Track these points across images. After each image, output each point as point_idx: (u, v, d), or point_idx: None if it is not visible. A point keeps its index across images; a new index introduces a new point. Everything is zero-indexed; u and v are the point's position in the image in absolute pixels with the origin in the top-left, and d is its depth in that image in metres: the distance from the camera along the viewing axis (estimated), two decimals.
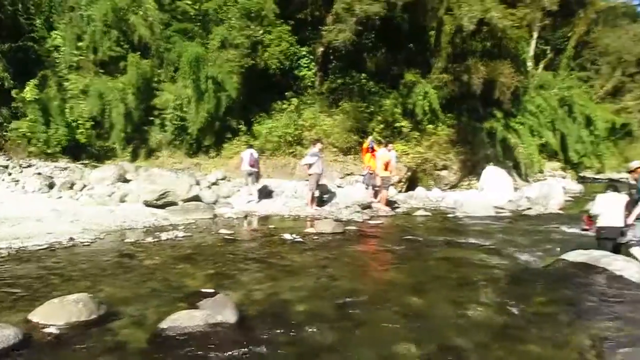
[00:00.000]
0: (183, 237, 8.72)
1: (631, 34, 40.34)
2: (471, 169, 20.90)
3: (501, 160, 22.55)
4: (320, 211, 12.64)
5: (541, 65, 32.23)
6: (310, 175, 12.79)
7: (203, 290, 5.45)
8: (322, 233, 9.51)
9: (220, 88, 17.07)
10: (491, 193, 16.06)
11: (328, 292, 5.62)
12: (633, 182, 6.97)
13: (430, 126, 20.16)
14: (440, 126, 20.55)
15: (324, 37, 18.39)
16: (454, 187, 20.17)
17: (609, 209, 7.03)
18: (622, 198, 7.13)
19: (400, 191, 17.53)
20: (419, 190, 17.48)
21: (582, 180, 28.77)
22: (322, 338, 4.23)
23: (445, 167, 20.31)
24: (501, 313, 5.02)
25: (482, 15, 19.76)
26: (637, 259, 6.58)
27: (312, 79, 19.49)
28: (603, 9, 36.69)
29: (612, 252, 6.74)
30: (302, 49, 19.35)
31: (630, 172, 7.20)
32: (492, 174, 17.59)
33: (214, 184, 14.48)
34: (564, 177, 27.15)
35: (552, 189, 16.44)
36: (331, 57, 20.06)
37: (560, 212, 14.28)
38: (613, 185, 7.68)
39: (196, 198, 12.15)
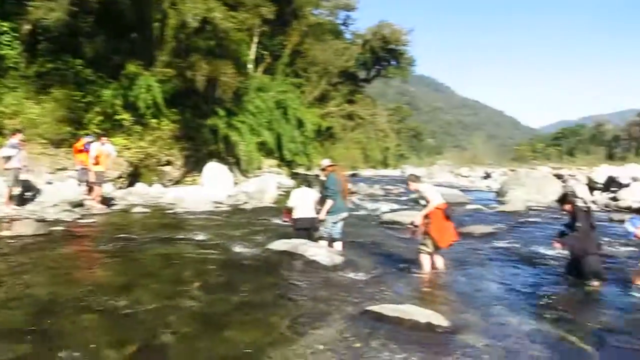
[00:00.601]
0: None
1: (334, 49, 46.53)
2: (195, 165, 21.24)
3: (223, 157, 23.52)
4: (19, 210, 11.23)
5: (260, 69, 34.62)
6: (7, 169, 11.27)
7: None
8: (21, 235, 8.50)
9: None
10: (212, 188, 16.63)
11: (20, 302, 5.08)
12: (324, 178, 8.04)
13: (154, 120, 19.76)
14: (164, 121, 20.33)
15: (31, 14, 16.32)
16: (177, 182, 20.19)
17: (303, 202, 8.06)
18: (313, 192, 8.19)
19: (120, 187, 16.75)
20: (139, 187, 17.00)
21: (294, 176, 31.89)
22: (12, 354, 3.80)
23: (169, 163, 20.19)
24: (210, 304, 5.24)
25: (205, 14, 20.26)
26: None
27: (16, 60, 17.03)
28: (312, 24, 41.35)
29: (308, 239, 7.74)
30: (3, 23, 16.75)
31: (322, 170, 8.20)
32: (214, 170, 18.22)
33: None
34: (279, 174, 29.68)
35: (267, 184, 17.90)
36: (40, 38, 17.87)
37: (273, 205, 15.63)
38: (306, 181, 8.87)
39: None
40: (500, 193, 20.73)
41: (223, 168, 19.04)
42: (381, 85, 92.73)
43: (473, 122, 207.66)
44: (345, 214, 7.87)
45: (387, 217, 12.73)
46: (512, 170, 32.23)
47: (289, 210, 8.24)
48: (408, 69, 58.17)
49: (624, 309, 5.58)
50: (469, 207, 16.58)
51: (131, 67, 19.20)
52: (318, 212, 7.76)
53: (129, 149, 18.12)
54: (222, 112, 23.82)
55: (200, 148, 22.26)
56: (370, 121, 55.94)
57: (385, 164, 62.36)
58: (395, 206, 16.05)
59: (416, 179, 7.08)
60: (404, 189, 7.02)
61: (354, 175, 41.85)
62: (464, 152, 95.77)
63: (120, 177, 17.20)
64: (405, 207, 15.31)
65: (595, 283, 6.33)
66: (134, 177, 18.10)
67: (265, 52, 35.59)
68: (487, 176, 37.60)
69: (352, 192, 21.63)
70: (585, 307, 5.87)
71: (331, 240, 7.80)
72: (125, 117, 18.57)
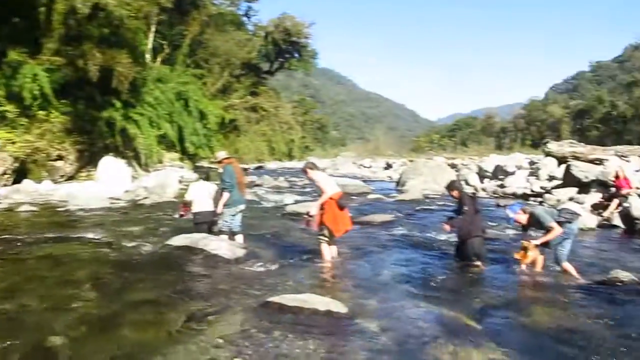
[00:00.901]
0: None
1: (236, 40, 45.87)
2: (89, 160, 20.14)
3: (121, 151, 22.48)
4: None
5: (159, 59, 33.39)
6: None
7: None
8: None
9: None
10: (108, 184, 15.87)
11: None
12: (221, 171, 7.92)
13: (42, 112, 18.46)
14: (54, 113, 19.06)
15: None
16: (71, 178, 19.05)
17: (201, 196, 7.95)
18: (211, 186, 8.08)
19: (5, 185, 15.49)
20: (26, 183, 15.82)
21: (198, 169, 31.19)
22: None
23: (60, 158, 18.96)
24: (102, 305, 4.99)
25: None
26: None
27: None
28: (213, 14, 40.47)
29: (208, 233, 7.64)
30: None
31: (217, 162, 8.03)
32: (110, 164, 17.40)
33: None
34: (182, 167, 28.89)
35: (168, 178, 17.37)
36: None
37: (175, 199, 15.20)
38: (204, 174, 8.74)
39: None
40: (399, 182, 21.64)
41: (120, 162, 18.25)
42: (285, 77, 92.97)
43: (375, 114, 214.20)
44: (242, 206, 7.83)
45: (291, 208, 12.85)
46: (411, 161, 33.69)
47: (187, 205, 8.09)
48: (311, 62, 58.77)
49: (506, 287, 6.06)
50: (370, 196, 17.17)
51: (14, 55, 17.77)
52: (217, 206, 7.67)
53: (13, 143, 16.80)
54: (118, 104, 22.70)
55: (95, 142, 21.10)
56: (274, 113, 55.82)
57: (290, 156, 62.69)
58: (300, 198, 16.22)
59: (313, 166, 7.16)
60: (309, 180, 7.10)
61: (259, 167, 41.74)
62: (366, 143, 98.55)
63: (4, 173, 15.91)
64: (310, 198, 15.52)
65: (479, 264, 6.84)
66: (20, 173, 16.81)
67: (164, 42, 34.37)
68: (388, 167, 39.04)
69: (256, 185, 21.63)
70: (471, 286, 6.29)
71: (231, 234, 7.74)
72: (9, 108, 17.21)
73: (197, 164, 32.80)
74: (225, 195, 7.45)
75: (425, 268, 6.96)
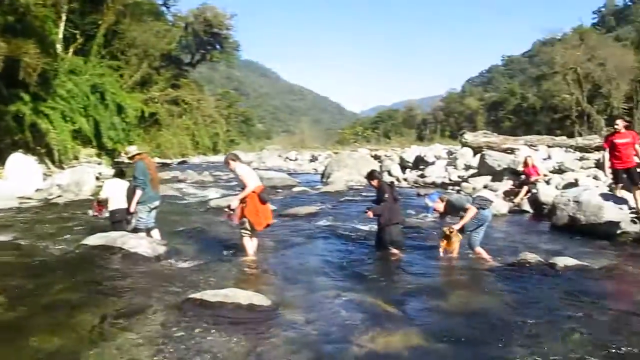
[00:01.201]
0: None
1: (155, 30, 44.29)
2: None
3: (32, 147, 21.17)
4: None
5: (71, 50, 31.62)
6: None
7: None
8: None
9: None
10: (17, 183, 14.87)
11: None
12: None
13: None
14: None
15: None
16: None
17: (117, 193, 7.65)
18: (127, 183, 7.79)
19: None
20: None
21: (117, 165, 29.91)
22: None
23: None
24: (10, 310, 4.70)
25: None
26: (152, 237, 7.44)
27: None
28: (129, 3, 38.76)
29: (126, 231, 7.34)
30: None
31: (129, 158, 7.72)
32: (19, 161, 16.29)
33: None
34: (99, 163, 27.61)
35: (84, 175, 16.52)
36: None
37: (92, 197, 14.52)
38: (120, 171, 8.43)
39: None
40: (324, 175, 21.85)
41: (30, 159, 17.12)
42: (207, 70, 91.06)
43: (300, 107, 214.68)
44: (157, 203, 7.63)
45: (215, 203, 12.65)
46: (336, 153, 34.10)
47: (101, 203, 7.76)
48: (233, 54, 58.04)
49: (424, 273, 6.32)
50: (295, 189, 17.23)
51: None
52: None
53: None
54: (27, 97, 21.27)
55: (2, 138, 19.72)
56: (197, 106, 54.63)
57: (215, 150, 61.67)
58: (225, 192, 15.99)
59: (236, 158, 7.07)
60: (231, 171, 7.02)
61: (182, 162, 40.73)
62: (292, 136, 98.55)
63: None
64: (236, 193, 15.34)
65: (397, 251, 7.08)
66: None
67: (76, 32, 32.51)
68: (314, 159, 39.28)
69: (179, 180, 21.09)
70: (392, 274, 6.51)
71: (147, 230, 7.50)
72: None
73: (116, 160, 31.47)
74: (138, 193, 7.20)
75: (348, 258, 7.11)
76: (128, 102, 32.95)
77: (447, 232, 6.64)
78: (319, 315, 4.67)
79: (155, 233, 7.59)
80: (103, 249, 6.77)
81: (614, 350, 3.85)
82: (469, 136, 20.79)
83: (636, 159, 8.98)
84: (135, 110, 34.53)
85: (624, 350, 3.85)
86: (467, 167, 18.35)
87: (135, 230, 7.37)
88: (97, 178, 18.74)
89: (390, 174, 21.27)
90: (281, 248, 7.73)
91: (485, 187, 14.59)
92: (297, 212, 11.18)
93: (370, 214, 7.13)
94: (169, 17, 53.05)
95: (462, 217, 6.60)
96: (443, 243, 6.74)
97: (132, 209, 7.27)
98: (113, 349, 3.85)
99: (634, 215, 8.74)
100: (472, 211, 6.51)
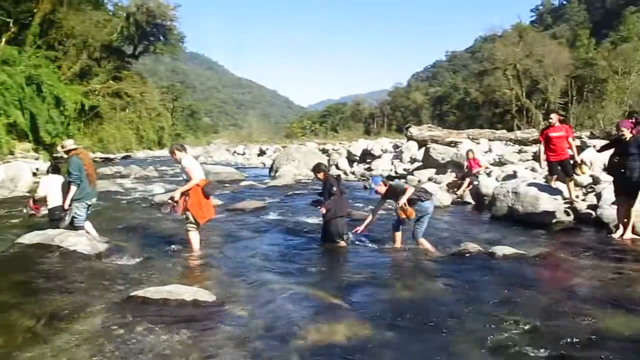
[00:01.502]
0: None
1: (94, 20, 42.66)
2: None
3: None
4: None
5: (4, 39, 30.05)
6: None
7: None
8: None
9: None
10: None
11: None
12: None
13: None
14: None
15: None
16: None
17: (55, 190, 7.35)
18: (63, 178, 7.52)
19: None
20: None
21: (56, 160, 28.70)
22: None
23: None
24: None
25: None
26: (89, 233, 7.19)
27: None
28: None
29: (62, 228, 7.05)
30: None
31: (65, 152, 7.43)
32: None
33: None
34: (37, 159, 26.44)
35: (20, 170, 15.78)
36: None
37: (28, 194, 13.90)
38: (54, 166, 8.10)
39: None
40: (273, 168, 21.78)
41: None
42: (152, 62, 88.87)
43: (248, 101, 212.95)
44: (93, 199, 7.41)
45: (159, 198, 12.32)
46: (284, 147, 34.03)
47: (38, 201, 7.43)
48: (178, 46, 56.69)
49: (368, 265, 6.39)
50: (243, 183, 17.09)
51: None
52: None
53: None
54: None
55: None
56: (140, 99, 53.12)
57: (160, 145, 60.28)
58: (171, 187, 15.63)
59: (182, 148, 6.94)
60: (175, 162, 6.88)
61: (126, 157, 39.59)
62: (240, 130, 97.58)
63: None
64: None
65: (342, 243, 7.17)
66: None
67: (9, 20, 30.91)
68: (262, 153, 39.05)
69: (122, 175, 20.48)
70: (337, 266, 6.59)
71: (82, 228, 7.25)
72: None
73: (55, 155, 30.21)
74: (73, 189, 6.95)
75: (294, 251, 7.12)
76: (67, 95, 31.67)
77: (401, 212, 6.73)
78: (264, 309, 4.65)
79: (91, 230, 7.35)
80: (40, 247, 6.47)
81: (547, 332, 4.03)
82: (414, 130, 21.18)
83: (570, 152, 9.41)
84: (75, 103, 33.25)
85: (556, 331, 4.04)
86: (413, 160, 18.71)
87: (73, 227, 7.11)
88: (35, 174, 17.97)
89: (337, 167, 21.43)
90: (227, 243, 7.65)
91: (430, 179, 14.93)
92: (244, 207, 11.09)
93: (323, 210, 7.16)
94: (109, 7, 51.30)
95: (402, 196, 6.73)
96: (402, 215, 6.82)
97: (66, 206, 7.00)
98: (50, 351, 3.70)
99: (568, 206, 9.19)
100: (410, 190, 6.69)
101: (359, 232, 7.13)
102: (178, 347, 3.78)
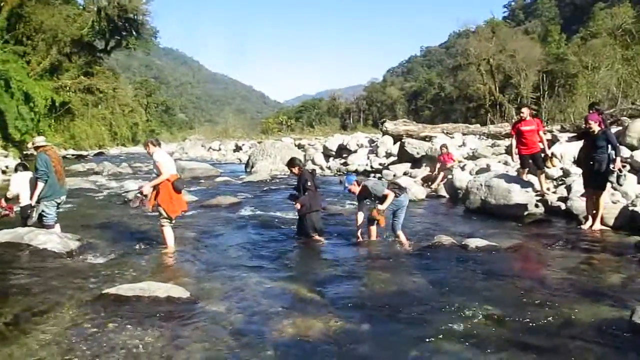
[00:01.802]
0: None
1: (64, 14, 41.72)
2: None
3: None
4: None
5: None
6: None
7: None
8: None
9: None
10: None
11: None
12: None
13: None
14: None
15: None
16: None
17: (28, 187, 7.16)
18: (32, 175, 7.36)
19: None
20: None
21: (27, 158, 28.08)
22: None
23: None
24: None
25: None
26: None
27: None
28: None
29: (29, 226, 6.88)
30: None
31: (35, 149, 7.27)
32: None
33: None
34: (6, 156, 25.83)
35: None
36: None
37: None
38: (23, 164, 7.92)
39: None
40: (248, 164, 21.69)
41: None
42: (125, 57, 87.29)
43: (223, 96, 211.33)
44: (63, 197, 7.28)
45: (132, 195, 12.15)
46: (260, 142, 33.90)
47: (11, 200, 7.25)
48: (151, 41, 55.72)
49: (345, 258, 6.43)
50: (219, 179, 17.00)
51: None
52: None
53: None
54: None
55: None
56: (113, 95, 52.24)
57: (134, 141, 59.47)
58: (144, 184, 15.44)
59: (156, 142, 6.92)
60: (149, 155, 6.81)
61: (99, 154, 38.97)
62: (215, 126, 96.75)
63: None
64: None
65: (319, 238, 7.20)
66: None
67: None
68: (238, 149, 38.82)
69: (95, 172, 20.13)
70: (313, 260, 6.60)
71: (51, 226, 7.11)
72: None
73: (25, 152, 29.54)
74: (40, 185, 6.81)
75: (269, 246, 7.11)
76: (36, 91, 30.99)
77: (376, 214, 6.77)
78: (239, 304, 4.64)
79: (57, 228, 7.22)
80: (9, 246, 6.33)
81: (517, 321, 4.11)
82: (389, 125, 21.29)
83: (541, 145, 9.58)
84: (45, 99, 32.56)
85: (526, 320, 4.12)
86: (388, 155, 18.83)
87: (42, 226, 6.96)
88: (4, 172, 17.60)
89: (314, 162, 21.44)
90: (202, 239, 7.60)
91: (405, 173, 15.05)
92: (219, 202, 11.02)
93: (298, 205, 7.15)
94: (79, 1, 50.15)
95: (381, 202, 6.78)
96: (376, 217, 6.86)
97: (33, 202, 6.86)
98: (19, 351, 3.64)
99: (539, 198, 9.37)
100: (391, 195, 6.73)
101: (358, 241, 7.13)
102: (151, 344, 3.74)
